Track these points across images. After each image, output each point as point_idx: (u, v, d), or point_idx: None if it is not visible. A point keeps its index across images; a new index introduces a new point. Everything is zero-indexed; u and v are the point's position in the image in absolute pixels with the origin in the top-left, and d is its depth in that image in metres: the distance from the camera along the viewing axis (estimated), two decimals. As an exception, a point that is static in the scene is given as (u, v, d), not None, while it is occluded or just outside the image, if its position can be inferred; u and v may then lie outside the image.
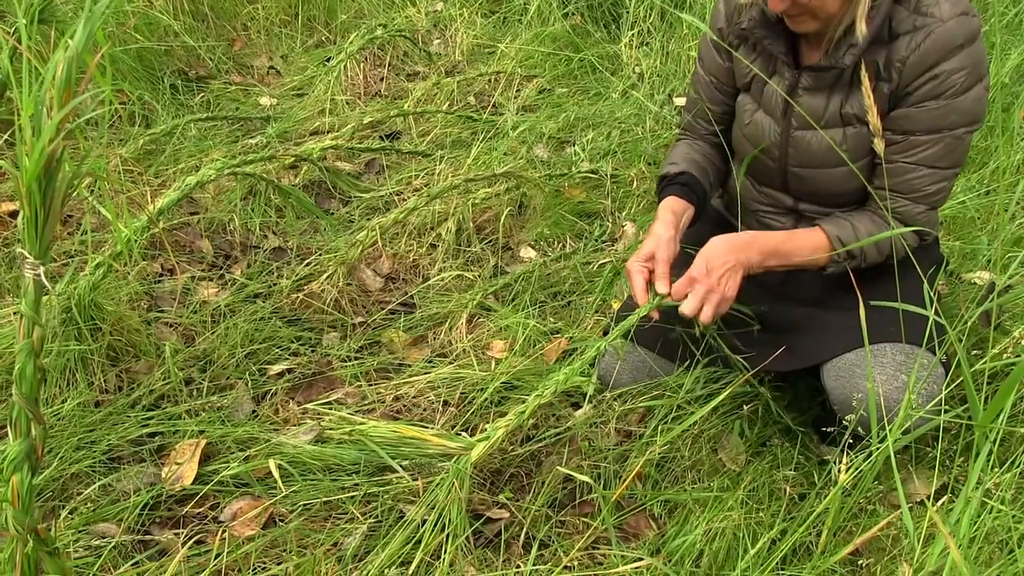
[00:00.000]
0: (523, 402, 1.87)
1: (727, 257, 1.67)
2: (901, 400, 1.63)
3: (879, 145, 1.35)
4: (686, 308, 1.67)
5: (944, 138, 1.63)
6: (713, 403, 1.77)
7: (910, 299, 1.84)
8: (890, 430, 1.40)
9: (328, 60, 3.35)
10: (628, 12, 3.76)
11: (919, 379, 1.65)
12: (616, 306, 2.34)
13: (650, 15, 3.78)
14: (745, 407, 1.96)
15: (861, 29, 1.55)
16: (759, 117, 1.80)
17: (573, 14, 3.92)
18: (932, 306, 1.61)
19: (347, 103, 3.13)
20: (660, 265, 1.74)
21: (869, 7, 1.54)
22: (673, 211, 1.82)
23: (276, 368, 1.98)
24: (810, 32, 1.63)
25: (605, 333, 2.03)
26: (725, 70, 1.86)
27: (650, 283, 1.74)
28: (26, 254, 1.02)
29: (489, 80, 3.46)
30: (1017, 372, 1.01)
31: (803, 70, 1.69)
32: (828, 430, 1.78)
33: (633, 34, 3.71)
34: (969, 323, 1.84)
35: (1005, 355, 1.62)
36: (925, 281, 1.92)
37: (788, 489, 1.79)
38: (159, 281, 2.16)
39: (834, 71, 1.64)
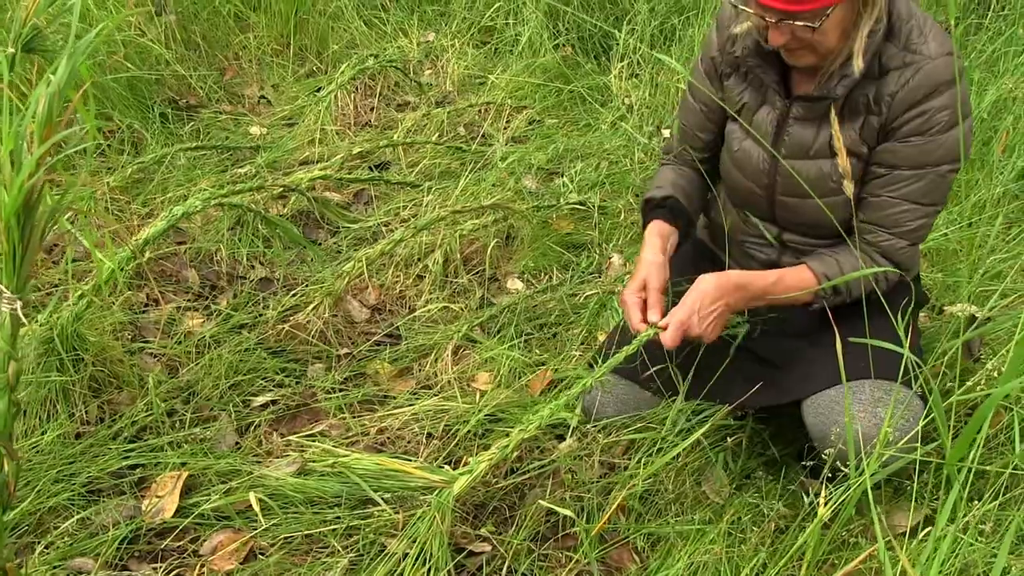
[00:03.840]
0: (507, 435, 1.87)
1: (716, 304, 1.70)
2: (876, 436, 1.64)
3: (848, 187, 1.38)
4: (669, 343, 1.69)
5: (928, 174, 1.65)
6: (695, 435, 1.78)
7: (891, 335, 1.86)
8: (867, 464, 1.41)
9: (319, 90, 3.37)
10: (618, 44, 3.79)
11: (895, 414, 1.66)
12: (602, 338, 2.34)
13: (640, 47, 3.80)
14: (729, 439, 1.96)
15: (859, 63, 1.57)
16: (748, 145, 1.82)
17: (564, 45, 3.95)
18: (907, 340, 1.63)
19: (337, 133, 3.14)
20: (652, 294, 1.75)
21: (865, 43, 1.56)
22: (660, 235, 1.84)
23: (260, 400, 1.98)
24: (807, 66, 1.65)
25: (591, 365, 2.03)
26: (716, 98, 1.88)
27: (645, 311, 1.76)
28: (3, 288, 1.02)
29: (479, 111, 3.48)
30: (981, 412, 1.02)
31: (794, 100, 1.71)
32: (807, 464, 1.79)
33: (623, 66, 3.74)
34: (947, 356, 1.86)
35: (979, 387, 1.63)
36: (899, 317, 1.95)
37: (771, 523, 1.79)
38: (144, 311, 2.16)
39: (825, 102, 1.66)
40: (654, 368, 1.86)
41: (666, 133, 3.42)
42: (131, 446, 1.78)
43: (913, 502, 1.67)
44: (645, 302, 1.76)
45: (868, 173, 1.72)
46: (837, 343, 1.78)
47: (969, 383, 1.57)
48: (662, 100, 3.58)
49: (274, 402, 1.98)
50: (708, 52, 1.86)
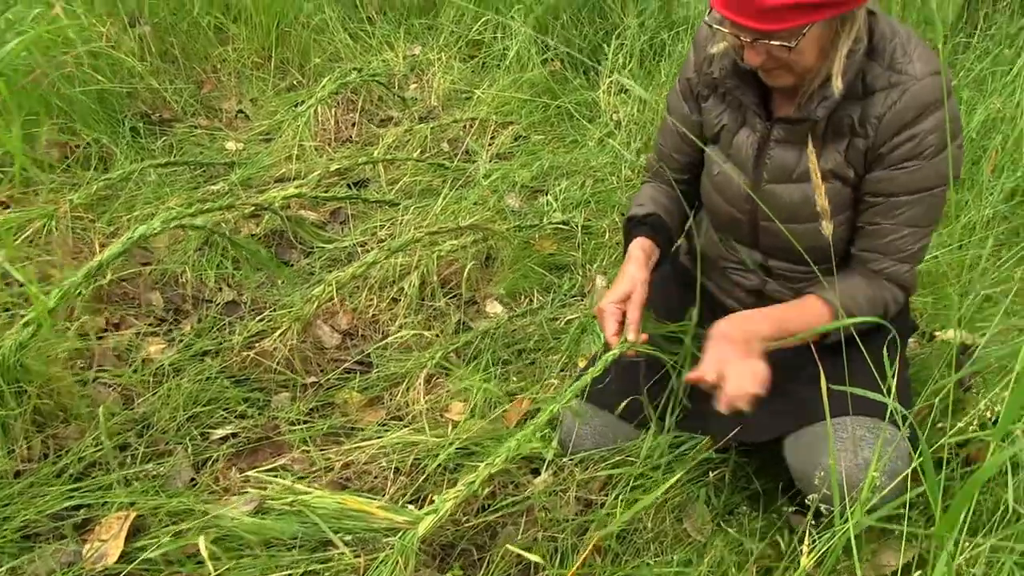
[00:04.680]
0: (476, 466, 1.80)
1: (738, 344, 1.63)
2: (861, 477, 1.57)
3: (827, 228, 1.31)
4: (731, 389, 1.60)
5: (924, 198, 1.59)
6: (677, 475, 1.70)
7: (877, 369, 1.78)
8: (852, 511, 1.33)
9: (299, 104, 3.29)
10: (607, 59, 3.72)
11: (880, 455, 1.58)
12: (582, 364, 2.26)
13: (629, 62, 3.74)
14: (711, 474, 1.88)
15: (837, 84, 1.51)
16: (728, 169, 1.74)
17: (552, 60, 3.88)
18: (893, 372, 1.55)
19: (316, 149, 3.06)
20: (634, 309, 1.68)
21: (845, 63, 1.50)
22: (645, 251, 1.77)
23: (219, 432, 1.88)
24: (786, 86, 1.58)
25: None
26: (693, 121, 1.81)
27: (621, 324, 1.69)
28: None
29: (464, 126, 3.40)
30: (967, 490, 0.94)
31: (775, 122, 1.64)
32: (794, 508, 1.71)
33: (611, 81, 3.67)
34: (937, 387, 1.78)
35: (971, 427, 1.55)
36: (886, 348, 1.87)
37: (755, 565, 1.71)
38: (102, 337, 2.07)
39: (806, 124, 1.59)
40: (631, 397, 1.79)
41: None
42: (76, 485, 1.68)
43: (903, 541, 1.59)
44: (623, 315, 1.69)
45: (863, 202, 1.65)
46: (822, 378, 1.72)
47: (961, 424, 1.49)
48: (650, 116, 3.51)
49: (235, 435, 1.89)
50: (685, 72, 1.79)
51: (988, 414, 1.40)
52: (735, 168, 1.73)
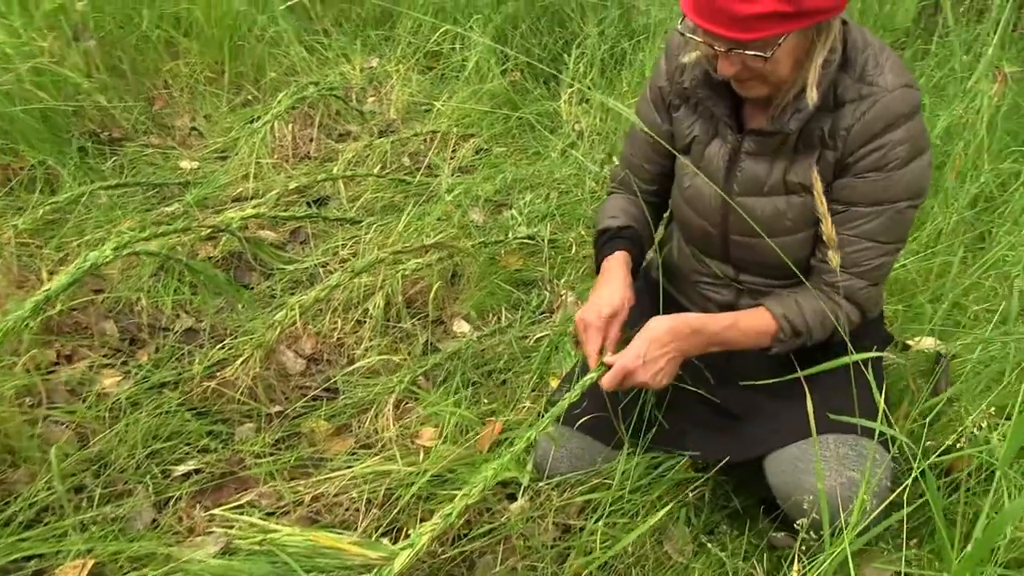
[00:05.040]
0: (453, 499, 1.73)
1: (667, 348, 1.58)
2: (846, 496, 1.54)
3: (834, 260, 1.28)
4: (607, 386, 1.58)
5: (886, 211, 1.56)
6: (662, 513, 1.65)
7: (856, 383, 1.75)
8: (845, 532, 1.29)
9: (255, 120, 3.20)
10: (568, 68, 3.68)
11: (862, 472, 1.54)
12: (554, 383, 2.21)
13: (590, 71, 3.70)
14: (691, 493, 1.84)
15: (812, 96, 1.47)
16: (699, 182, 1.70)
17: (512, 70, 3.83)
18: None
19: (273, 166, 2.97)
20: (615, 328, 1.65)
21: (820, 74, 1.46)
22: (627, 266, 1.73)
23: (182, 469, 1.79)
24: (759, 97, 1.54)
25: (542, 414, 1.90)
26: (663, 131, 1.76)
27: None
28: None
29: (424, 140, 3.33)
30: (989, 535, 0.89)
31: (746, 134, 1.60)
32: (775, 526, 1.67)
33: (573, 91, 3.62)
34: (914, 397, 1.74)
35: (959, 443, 1.52)
36: (864, 363, 1.84)
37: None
38: (53, 370, 1.96)
39: (779, 136, 1.55)
40: (605, 417, 1.74)
41: (618, 160, 3.31)
42: (28, 533, 1.58)
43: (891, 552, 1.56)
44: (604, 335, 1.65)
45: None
46: (806, 397, 1.68)
47: (949, 441, 1.46)
48: (613, 126, 3.47)
49: (198, 470, 1.80)
50: (656, 81, 1.75)
51: (975, 429, 1.37)
52: (707, 180, 1.69)
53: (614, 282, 1.69)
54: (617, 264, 1.72)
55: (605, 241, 1.78)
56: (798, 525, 1.45)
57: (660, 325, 1.59)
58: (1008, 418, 1.88)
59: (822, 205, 1.22)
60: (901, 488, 1.27)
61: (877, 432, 1.32)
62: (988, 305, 2.16)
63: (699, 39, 1.47)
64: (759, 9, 1.34)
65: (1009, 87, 2.89)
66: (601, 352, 1.63)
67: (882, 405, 1.25)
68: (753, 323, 1.64)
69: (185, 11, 3.45)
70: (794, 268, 1.49)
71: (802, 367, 1.71)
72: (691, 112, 1.69)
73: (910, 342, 2.16)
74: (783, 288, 1.72)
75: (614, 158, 3.32)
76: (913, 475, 1.26)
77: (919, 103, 1.51)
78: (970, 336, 2.02)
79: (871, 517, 1.39)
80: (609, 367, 1.60)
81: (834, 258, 1.28)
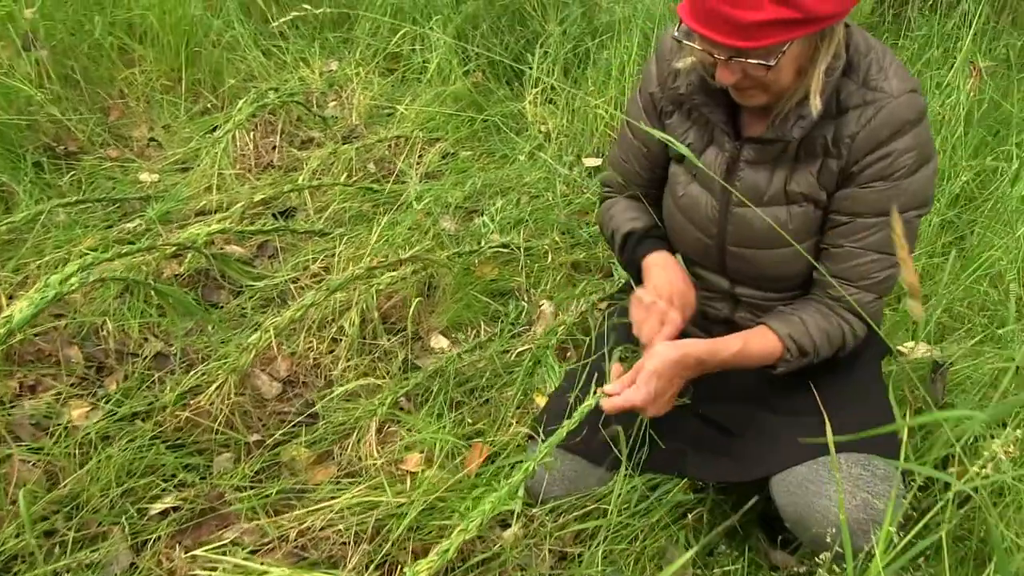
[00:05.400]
0: (445, 528, 1.67)
1: (672, 381, 1.54)
2: (862, 519, 1.49)
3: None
4: (607, 406, 1.55)
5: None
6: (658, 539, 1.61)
7: (862, 398, 1.72)
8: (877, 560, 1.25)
9: (215, 129, 3.09)
10: (531, 69, 3.61)
11: (879, 495, 1.51)
12: (539, 400, 2.15)
13: (553, 71, 3.64)
14: (689, 515, 1.80)
15: (816, 104, 1.42)
16: (694, 190, 1.65)
17: (474, 71, 3.76)
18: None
19: (236, 177, 2.87)
20: (675, 321, 1.60)
21: (823, 81, 1.41)
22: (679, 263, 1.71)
23: (159, 506, 1.70)
24: (759, 106, 1.48)
25: (532, 436, 1.84)
26: (656, 138, 1.71)
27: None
28: None
29: (389, 145, 3.25)
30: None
31: (745, 142, 1.54)
32: (775, 544, 1.63)
33: (537, 91, 3.56)
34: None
35: (982, 473, 1.49)
36: (866, 374, 1.81)
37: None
38: (16, 403, 1.86)
39: (779, 144, 1.50)
40: (598, 438, 1.69)
41: (587, 163, 3.27)
42: (-3, 587, 1.50)
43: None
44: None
45: (828, 221, 1.57)
46: (819, 416, 1.63)
47: (973, 469, 1.43)
48: (580, 127, 3.42)
49: (176, 508, 1.71)
50: (647, 87, 1.69)
51: (1000, 455, 1.34)
52: (704, 190, 1.64)
53: (670, 269, 1.65)
54: (666, 258, 1.68)
55: (636, 242, 1.72)
56: (821, 559, 1.39)
57: (666, 357, 1.53)
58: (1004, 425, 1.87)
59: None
60: (931, 513, 1.22)
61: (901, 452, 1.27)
62: (983, 310, 2.14)
63: (697, 46, 1.41)
64: (764, 16, 1.28)
65: (984, 82, 2.89)
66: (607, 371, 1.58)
67: (905, 432, 1.20)
68: (759, 346, 1.59)
69: (139, 17, 3.33)
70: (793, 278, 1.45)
71: (802, 381, 1.68)
72: (685, 118, 1.63)
73: (902, 349, 2.14)
74: (781, 301, 1.68)
75: (583, 159, 3.28)
76: (940, 505, 1.22)
77: (925, 109, 1.47)
78: (968, 343, 1.99)
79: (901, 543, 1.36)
80: (604, 393, 1.55)
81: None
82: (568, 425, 1.55)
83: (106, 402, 1.90)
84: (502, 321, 2.44)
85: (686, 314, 1.62)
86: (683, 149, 1.11)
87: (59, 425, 1.82)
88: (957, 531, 1.69)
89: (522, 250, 2.66)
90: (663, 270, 1.65)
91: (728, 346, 1.58)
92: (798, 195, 1.53)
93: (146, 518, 1.69)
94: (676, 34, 1.46)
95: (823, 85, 1.42)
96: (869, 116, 1.44)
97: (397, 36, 3.76)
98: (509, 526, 1.76)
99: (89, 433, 1.78)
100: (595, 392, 1.57)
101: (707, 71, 1.51)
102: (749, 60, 1.36)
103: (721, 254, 1.68)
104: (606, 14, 3.93)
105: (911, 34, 3.51)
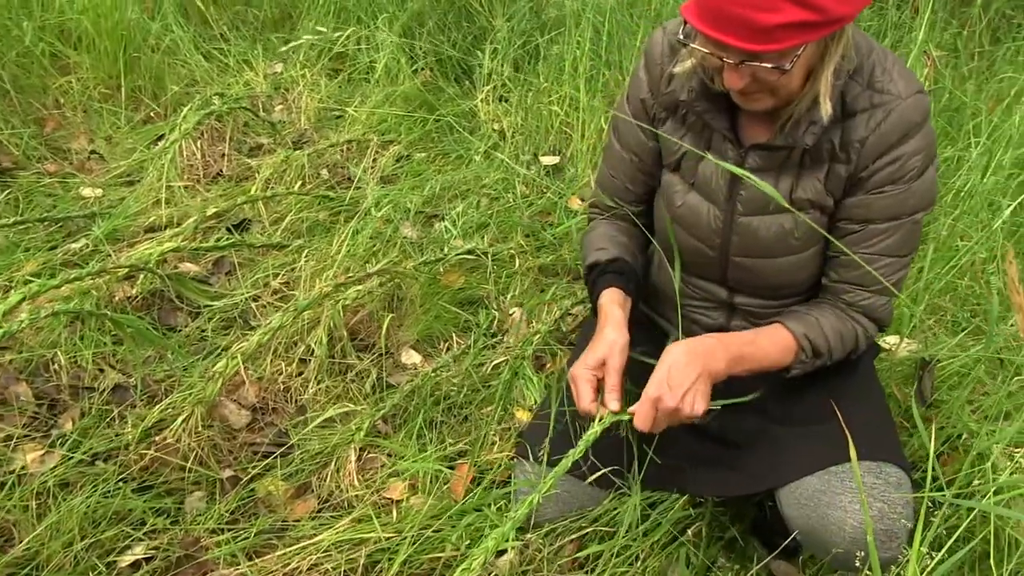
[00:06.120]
0: (438, 560, 1.59)
1: (692, 370, 1.44)
2: (878, 529, 1.45)
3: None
4: (642, 425, 1.44)
5: (904, 224, 1.47)
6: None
7: (864, 399, 1.67)
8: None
9: (160, 139, 2.94)
10: (481, 66, 3.52)
11: (893, 504, 1.46)
12: (522, 416, 2.07)
13: (503, 68, 3.55)
14: (689, 530, 1.73)
15: (826, 108, 1.36)
16: (693, 200, 1.58)
17: (422, 70, 3.65)
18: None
19: (186, 189, 2.73)
20: (612, 376, 1.49)
21: (832, 84, 1.35)
22: (621, 306, 1.58)
23: (129, 558, 1.57)
24: (764, 110, 1.41)
25: (518, 452, 1.76)
26: (649, 148, 1.63)
27: (597, 391, 1.50)
28: None
29: (341, 150, 3.13)
30: None
31: (750, 149, 1.47)
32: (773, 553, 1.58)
33: (489, 89, 3.47)
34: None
35: (977, 486, 1.46)
36: (861, 374, 1.76)
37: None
38: (-37, 450, 1.72)
39: (783, 151, 1.44)
40: (595, 457, 1.61)
41: (545, 161, 3.19)
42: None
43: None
44: (600, 382, 1.50)
45: (837, 229, 1.52)
46: (814, 420, 1.58)
47: (976, 483, 1.39)
48: (535, 124, 3.34)
49: (148, 558, 1.58)
50: (637, 94, 1.61)
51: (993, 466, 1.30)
52: (705, 200, 1.56)
53: (605, 328, 1.55)
54: (610, 306, 1.58)
55: (595, 278, 1.64)
56: (847, 575, 1.33)
57: (675, 350, 1.47)
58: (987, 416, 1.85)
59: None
60: (960, 531, 1.17)
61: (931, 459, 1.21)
62: (965, 304, 2.12)
63: (705, 50, 1.33)
64: (782, 19, 1.20)
65: (939, 72, 2.87)
66: (600, 399, 1.49)
67: (932, 448, 1.15)
68: (774, 341, 1.54)
69: (72, 22, 3.15)
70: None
71: (802, 387, 1.62)
72: (679, 125, 1.56)
73: (884, 344, 2.10)
74: (779, 309, 1.62)
75: (540, 157, 3.20)
76: (966, 524, 1.18)
77: (930, 109, 1.42)
78: (954, 340, 1.96)
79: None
80: (617, 415, 1.47)
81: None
82: (574, 454, 1.47)
83: (62, 444, 1.76)
84: (474, 332, 2.35)
85: (620, 366, 1.52)
86: (707, 156, 1.02)
87: (10, 473, 1.67)
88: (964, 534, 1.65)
89: (488, 256, 2.57)
90: (598, 330, 1.56)
91: (740, 336, 1.53)
92: (805, 202, 1.47)
93: (115, 573, 1.56)
94: (680, 36, 1.37)
95: (832, 88, 1.35)
96: (879, 120, 1.39)
97: (343, 36, 3.63)
98: (504, 551, 1.68)
99: (46, 481, 1.64)
100: (601, 417, 1.48)
101: (707, 75, 1.44)
102: (763, 64, 1.29)
103: (723, 264, 1.61)
104: (555, 8, 3.85)
105: (859, 24, 3.48)
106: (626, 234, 1.72)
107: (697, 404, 1.43)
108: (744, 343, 1.51)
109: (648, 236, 1.74)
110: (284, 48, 3.65)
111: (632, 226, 1.74)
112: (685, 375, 1.43)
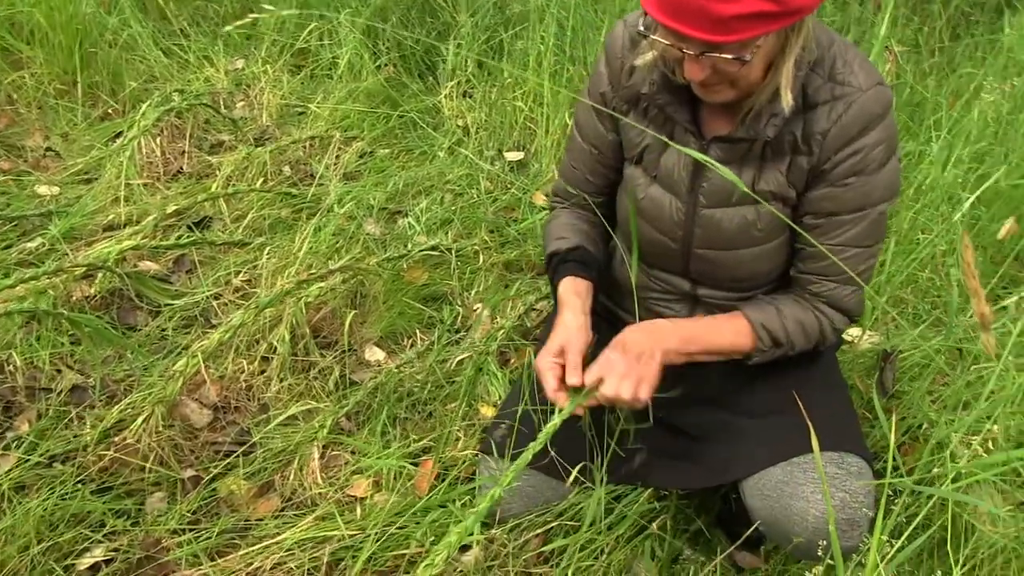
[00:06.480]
0: (402, 557, 1.58)
1: (644, 344, 1.46)
2: (841, 519, 1.46)
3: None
4: (606, 390, 1.44)
5: (868, 215, 1.48)
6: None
7: (826, 391, 1.69)
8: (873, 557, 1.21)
9: (118, 136, 2.89)
10: (444, 61, 3.51)
11: (855, 493, 1.48)
12: (486, 411, 2.06)
13: (467, 64, 3.54)
14: (654, 523, 1.74)
15: (787, 99, 1.36)
16: (656, 192, 1.57)
17: (386, 65, 3.63)
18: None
19: (145, 187, 2.69)
20: (572, 356, 1.49)
21: (793, 76, 1.35)
22: (578, 294, 1.59)
23: (88, 560, 1.55)
24: (725, 102, 1.42)
25: (482, 448, 1.75)
26: (610, 141, 1.63)
27: (562, 380, 1.49)
28: None
29: (304, 147, 3.11)
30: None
31: (712, 141, 1.48)
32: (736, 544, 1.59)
33: (453, 85, 3.46)
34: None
35: (935, 468, 1.47)
36: (821, 366, 1.77)
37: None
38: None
39: (745, 143, 1.44)
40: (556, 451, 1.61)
41: (509, 156, 3.19)
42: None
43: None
44: (563, 369, 1.50)
45: (802, 224, 1.52)
46: (775, 411, 1.59)
47: (935, 471, 1.41)
48: (499, 120, 3.33)
49: (108, 560, 1.56)
50: (597, 87, 1.61)
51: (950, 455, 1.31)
52: (667, 192, 1.56)
53: (563, 313, 1.55)
54: (567, 293, 1.58)
55: (555, 267, 1.64)
56: (812, 574, 1.34)
57: (626, 331, 1.49)
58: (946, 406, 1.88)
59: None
60: (919, 519, 1.18)
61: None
62: (926, 296, 2.14)
63: (665, 41, 1.33)
64: (741, 9, 1.20)
65: (900, 67, 2.90)
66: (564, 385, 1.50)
67: (892, 438, 1.16)
68: (730, 326, 1.55)
69: (24, 15, 3.09)
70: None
71: (764, 378, 1.63)
72: (642, 117, 1.55)
73: (846, 337, 2.12)
74: (742, 301, 1.63)
75: (505, 153, 3.19)
76: (925, 511, 1.19)
77: (891, 100, 1.43)
78: (916, 331, 1.98)
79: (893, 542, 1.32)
80: (585, 395, 1.47)
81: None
82: (533, 447, 1.46)
83: (18, 446, 1.73)
84: (438, 328, 2.34)
85: (581, 348, 1.53)
86: (664, 141, 1.02)
87: (-34, 477, 1.65)
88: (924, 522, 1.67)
89: (452, 252, 2.56)
90: (558, 318, 1.57)
91: (695, 319, 1.58)
92: (767, 194, 1.48)
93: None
94: (640, 28, 1.37)
95: (793, 80, 1.36)
96: (840, 112, 1.40)
97: (304, 31, 3.60)
98: (468, 547, 1.67)
99: (1, 484, 1.62)
100: (560, 409, 1.48)
101: (668, 67, 1.44)
102: (722, 55, 1.29)
103: (686, 256, 1.61)
104: (519, 3, 3.84)
105: (823, 19, 3.52)
106: (588, 222, 1.72)
107: (650, 369, 1.45)
108: (697, 324, 1.55)
109: (608, 228, 1.74)
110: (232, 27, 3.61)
111: (594, 215, 1.74)
112: (638, 347, 1.46)
